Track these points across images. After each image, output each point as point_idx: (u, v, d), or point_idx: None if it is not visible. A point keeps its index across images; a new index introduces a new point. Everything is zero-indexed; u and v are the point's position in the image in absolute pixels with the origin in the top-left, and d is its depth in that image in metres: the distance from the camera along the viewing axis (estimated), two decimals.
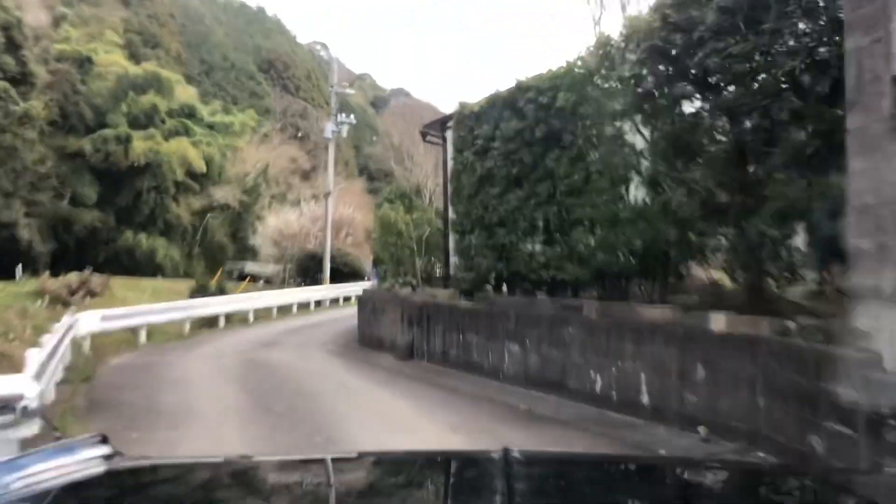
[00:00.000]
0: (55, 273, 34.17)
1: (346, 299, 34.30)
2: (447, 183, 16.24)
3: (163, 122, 48.03)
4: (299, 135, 64.32)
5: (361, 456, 2.12)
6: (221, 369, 14.39)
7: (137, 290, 37.35)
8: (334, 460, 2.04)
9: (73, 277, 32.37)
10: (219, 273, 41.90)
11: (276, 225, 43.89)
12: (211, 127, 52.38)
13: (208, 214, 50.25)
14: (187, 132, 49.39)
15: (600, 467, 2.06)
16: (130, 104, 46.77)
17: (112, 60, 46.99)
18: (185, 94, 52.74)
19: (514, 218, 11.77)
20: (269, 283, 46.28)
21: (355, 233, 44.28)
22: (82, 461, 1.59)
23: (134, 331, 20.30)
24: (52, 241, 42.94)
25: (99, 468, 1.60)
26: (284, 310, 28.15)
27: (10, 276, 34.95)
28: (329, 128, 39.44)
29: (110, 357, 17.03)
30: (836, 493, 1.70)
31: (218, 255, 50.77)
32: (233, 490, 1.69)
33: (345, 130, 40.49)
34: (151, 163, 44.38)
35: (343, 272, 40.06)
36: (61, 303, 30.17)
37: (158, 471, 1.91)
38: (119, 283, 36.88)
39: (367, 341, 17.71)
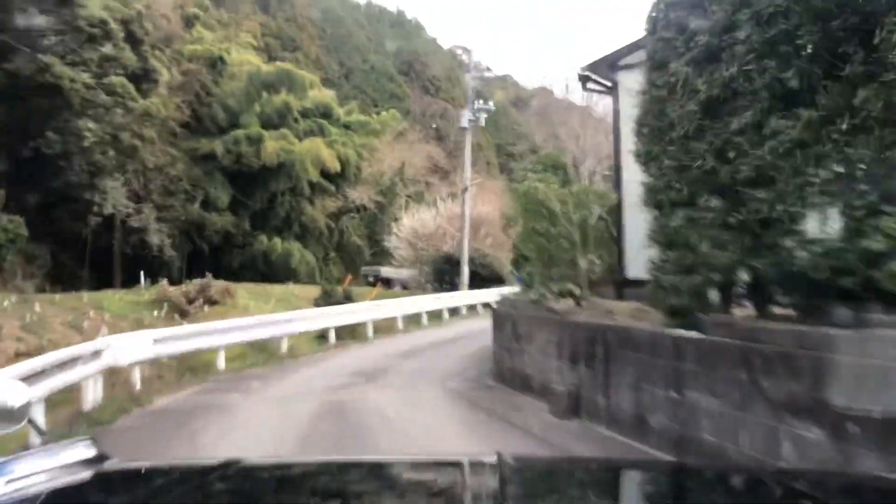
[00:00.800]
0: (190, 279, 30.67)
1: (486, 306, 28.69)
2: (617, 140, 10.35)
3: (296, 121, 44.22)
4: (438, 135, 59.54)
5: (354, 462, 2.08)
6: (284, 424, 9.07)
7: (263, 297, 33.35)
8: (328, 464, 2.04)
9: (192, 285, 28.41)
10: (348, 278, 37.40)
11: (411, 225, 38.93)
12: (347, 127, 48.32)
13: (344, 216, 46.10)
14: (322, 132, 45.44)
15: (594, 471, 2.00)
16: (263, 104, 43.26)
17: (244, 59, 43.64)
18: (321, 95, 48.94)
19: (794, 168, 5.63)
20: (406, 287, 41.49)
21: (495, 233, 38.63)
22: (72, 465, 1.53)
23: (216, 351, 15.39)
24: (186, 247, 39.86)
25: (88, 472, 1.55)
26: (412, 320, 22.79)
27: (137, 282, 31.81)
28: (465, 116, 33.98)
29: (162, 393, 12.08)
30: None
31: (354, 258, 46.51)
32: (224, 494, 1.63)
33: (483, 119, 34.91)
34: (284, 163, 40.52)
35: (482, 275, 34.45)
36: (179, 312, 26.31)
37: (149, 474, 1.82)
38: (244, 290, 32.93)
39: (505, 376, 11.77)
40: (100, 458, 1.62)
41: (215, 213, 39.57)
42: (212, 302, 27.72)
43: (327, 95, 49.32)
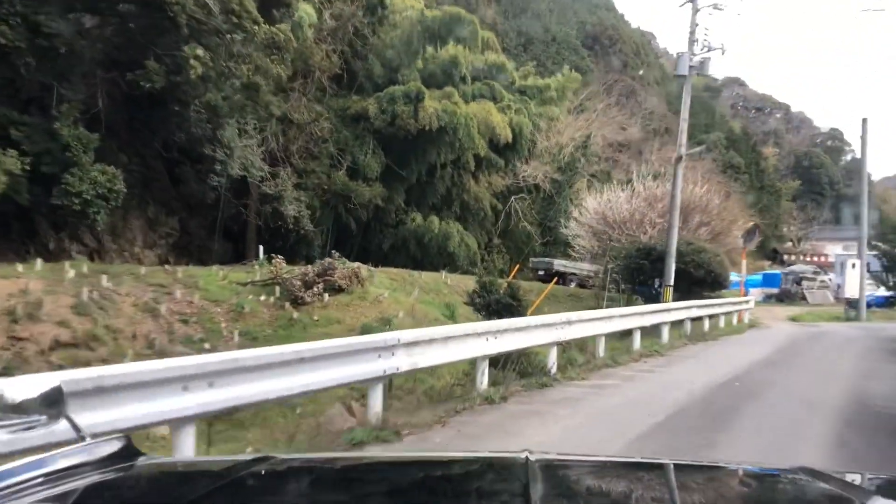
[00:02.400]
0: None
1: (732, 327, 19.30)
2: None
3: (463, 80, 36.04)
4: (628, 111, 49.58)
5: (382, 459, 2.20)
6: None
7: (405, 286, 25.50)
8: (357, 460, 2.21)
9: (314, 266, 21.13)
10: (514, 270, 29.04)
11: (596, 209, 29.74)
12: (522, 93, 39.62)
13: (513, 196, 37.47)
14: (493, 96, 37.03)
15: (623, 471, 1.87)
16: (426, 59, 35.41)
17: (408, 4, 35.92)
18: (495, 57, 40.53)
19: None
20: (584, 285, 32.33)
21: (712, 222, 28.77)
22: (106, 461, 1.51)
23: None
24: (328, 221, 32.80)
25: (122, 469, 1.52)
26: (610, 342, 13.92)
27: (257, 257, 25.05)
28: (685, 59, 24.27)
29: None
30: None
31: (522, 246, 37.82)
32: (256, 490, 1.60)
33: (709, 67, 24.96)
34: (446, 128, 32.40)
35: (693, 276, 24.80)
36: (293, 300, 18.90)
37: (182, 472, 1.85)
38: (385, 276, 25.36)
39: None
40: (133, 455, 1.59)
41: (364, 183, 32.15)
42: (336, 289, 20.14)
43: (501, 57, 40.84)
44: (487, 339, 8.44)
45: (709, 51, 24.45)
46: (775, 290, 36.55)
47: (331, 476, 1.77)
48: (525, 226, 36.83)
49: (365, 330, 18.05)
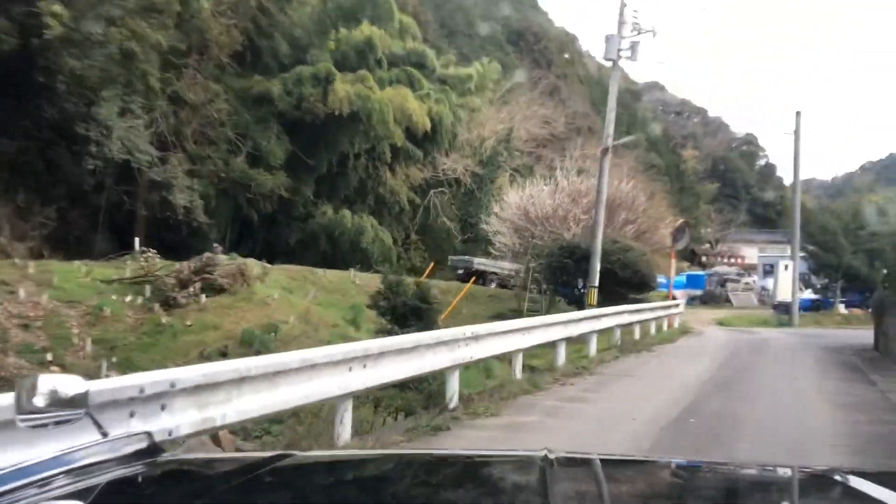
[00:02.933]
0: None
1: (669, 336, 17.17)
2: None
3: (379, 64, 33.24)
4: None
5: (402, 455, 2.18)
6: None
7: (306, 286, 22.72)
8: (377, 458, 2.08)
9: (190, 262, 18.13)
10: (430, 268, 26.54)
11: (518, 204, 27.44)
12: (443, 82, 37.08)
13: (432, 190, 34.89)
14: (412, 83, 34.35)
15: (643, 470, 1.86)
16: (339, 40, 32.44)
17: None
18: (415, 46, 37.88)
19: None
20: (505, 285, 30.04)
21: (638, 220, 26.85)
22: (127, 457, 1.50)
23: None
24: (226, 213, 29.51)
25: (143, 465, 1.51)
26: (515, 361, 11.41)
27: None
28: (613, 44, 22.13)
29: None
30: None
31: (441, 243, 35.30)
32: (276, 487, 1.56)
33: (637, 53, 22.86)
34: (359, 114, 29.57)
35: (619, 278, 22.79)
36: (165, 301, 15.70)
37: (204, 468, 1.84)
38: (284, 275, 22.46)
39: None
40: (155, 451, 1.58)
41: (266, 171, 28.97)
42: (217, 289, 17.14)
43: (421, 45, 38.20)
44: (352, 369, 5.71)
45: (639, 34, 22.41)
46: (699, 292, 35.17)
47: (351, 473, 1.76)
48: (444, 221, 34.29)
49: (245, 337, 15.19)
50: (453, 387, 7.28)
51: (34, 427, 1.55)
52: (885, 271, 30.15)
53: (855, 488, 1.53)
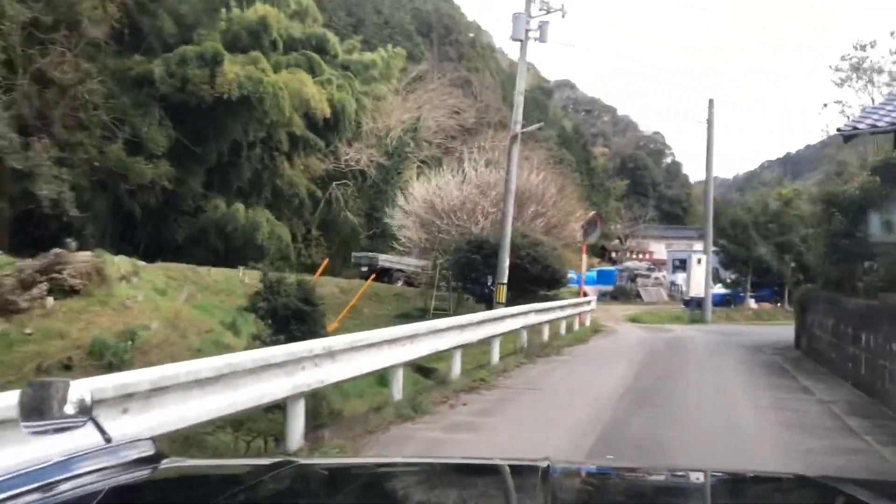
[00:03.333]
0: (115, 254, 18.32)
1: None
2: None
3: (274, 46, 30.74)
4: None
5: (405, 463, 2.05)
6: None
7: (184, 286, 20.33)
8: (380, 465, 2.01)
9: (39, 259, 15.44)
10: (324, 265, 24.37)
11: (424, 196, 25.56)
12: (346, 68, 34.82)
13: (334, 183, 32.61)
14: (312, 69, 31.97)
15: (645, 479, 1.88)
16: (230, 19, 29.79)
17: None
18: (317, 30, 35.48)
19: None
20: (412, 283, 28.13)
21: (548, 213, 25.39)
22: (131, 464, 1.49)
23: None
24: (102, 207, 26.46)
25: (147, 470, 1.50)
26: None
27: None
28: (520, 23, 20.51)
29: None
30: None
31: (346, 239, 33.10)
32: (278, 493, 1.57)
33: (547, 34, 21.30)
34: (251, 99, 27.05)
35: (529, 273, 21.29)
36: (4, 305, 12.97)
37: (207, 474, 1.82)
38: (162, 274, 20.08)
39: None
40: (158, 457, 1.56)
41: (147, 160, 26.06)
42: (68, 290, 14.55)
43: (322, 29, 35.81)
44: (126, 410, 3.67)
45: (548, 13, 20.87)
46: (610, 288, 34.20)
47: (353, 480, 1.75)
48: (347, 216, 32.08)
49: (95, 347, 12.77)
50: (296, 426, 5.26)
51: (37, 433, 1.54)
52: (793, 264, 29.88)
53: (852, 496, 1.51)
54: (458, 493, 1.64)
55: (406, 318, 24.42)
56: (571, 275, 39.57)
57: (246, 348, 12.13)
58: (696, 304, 25.00)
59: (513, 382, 9.36)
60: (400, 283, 28.48)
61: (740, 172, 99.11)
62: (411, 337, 7.48)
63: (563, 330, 16.55)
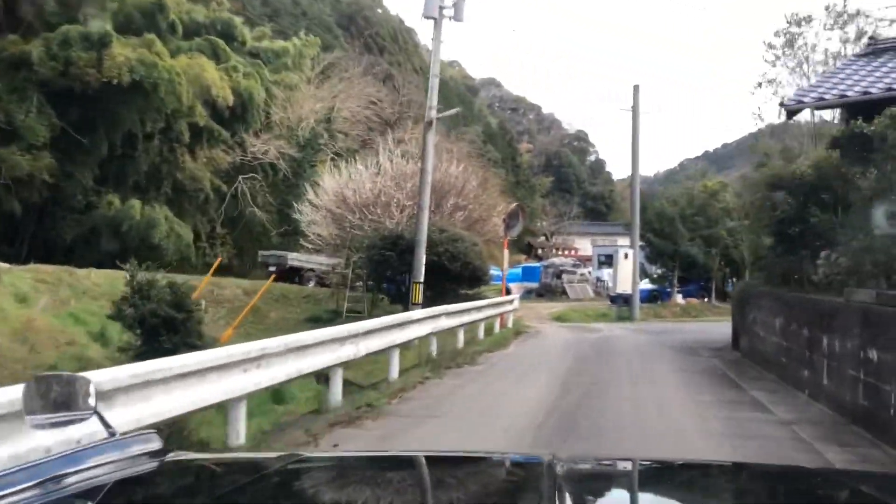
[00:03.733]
0: None
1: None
2: None
3: (172, 28, 28.00)
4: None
5: (408, 456, 2.02)
6: None
7: (59, 290, 18.01)
8: (383, 458, 1.98)
9: None
10: (217, 263, 21.98)
11: (335, 189, 23.38)
12: (255, 56, 32.28)
13: (241, 177, 30.06)
14: (217, 55, 29.35)
15: (648, 473, 1.79)
16: (123, 1, 26.93)
17: None
18: (222, 14, 32.76)
19: None
20: (324, 283, 25.94)
21: (469, 206, 23.55)
22: (135, 457, 1.46)
23: None
24: None
25: (152, 463, 1.47)
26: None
27: None
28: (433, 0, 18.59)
29: None
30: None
31: (259, 236, 30.60)
32: (285, 487, 1.55)
33: (463, 12, 19.45)
34: (143, 83, 24.31)
35: (449, 271, 19.47)
36: None
37: (211, 467, 1.78)
38: (31, 277, 17.70)
39: None
40: (163, 451, 1.54)
41: (25, 152, 23.05)
42: None
43: (228, 14, 33.14)
44: None
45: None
46: (535, 285, 32.74)
47: (358, 474, 1.72)
48: (255, 211, 29.59)
49: None
50: None
51: (42, 428, 1.55)
52: (720, 259, 28.98)
53: (858, 489, 1.52)
54: (462, 487, 1.59)
55: (316, 321, 22.21)
56: (496, 272, 38.08)
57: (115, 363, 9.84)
58: (622, 300, 23.61)
59: (410, 407, 7.40)
60: (312, 284, 26.24)
61: (661, 170, 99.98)
62: (257, 359, 5.41)
63: (481, 333, 14.73)
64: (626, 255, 22.68)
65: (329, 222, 23.32)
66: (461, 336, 12.90)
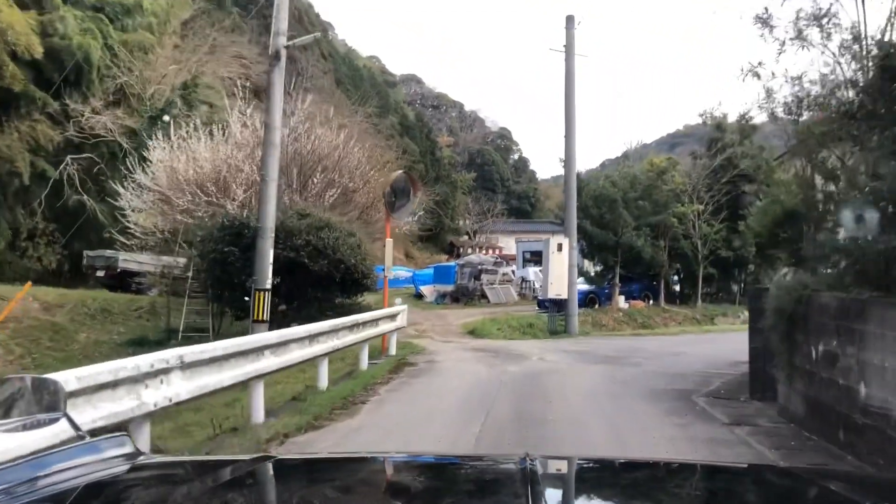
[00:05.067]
0: None
1: None
2: None
3: None
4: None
5: (384, 458, 1.91)
6: None
7: None
8: (359, 460, 1.92)
9: None
10: (25, 288, 14.86)
11: (168, 165, 16.43)
12: (99, 10, 24.84)
13: (69, 157, 22.57)
14: (40, 5, 21.90)
15: (624, 471, 1.73)
16: None
17: None
18: None
19: None
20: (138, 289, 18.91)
21: (347, 182, 16.89)
22: (106, 460, 1.39)
23: None
24: None
25: (123, 466, 1.40)
26: None
27: None
28: None
29: None
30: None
31: (97, 231, 23.11)
32: (256, 488, 1.50)
33: None
34: None
35: (312, 273, 12.99)
36: None
37: (182, 469, 1.67)
38: None
39: None
40: (134, 454, 1.47)
41: None
42: None
43: None
44: None
45: None
46: (450, 288, 26.39)
47: (332, 475, 1.64)
48: (85, 200, 22.17)
49: None
50: None
51: (10, 431, 1.46)
52: (665, 255, 23.20)
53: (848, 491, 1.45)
54: (440, 488, 1.53)
55: (140, 345, 15.32)
56: (402, 271, 31.48)
57: None
58: (555, 306, 17.37)
59: None
60: (155, 292, 19.13)
61: (605, 160, 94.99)
62: None
63: (323, 379, 8.16)
64: (560, 247, 16.36)
65: (158, 207, 16.35)
66: (259, 393, 6.30)
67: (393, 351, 11.67)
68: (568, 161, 16.48)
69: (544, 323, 17.43)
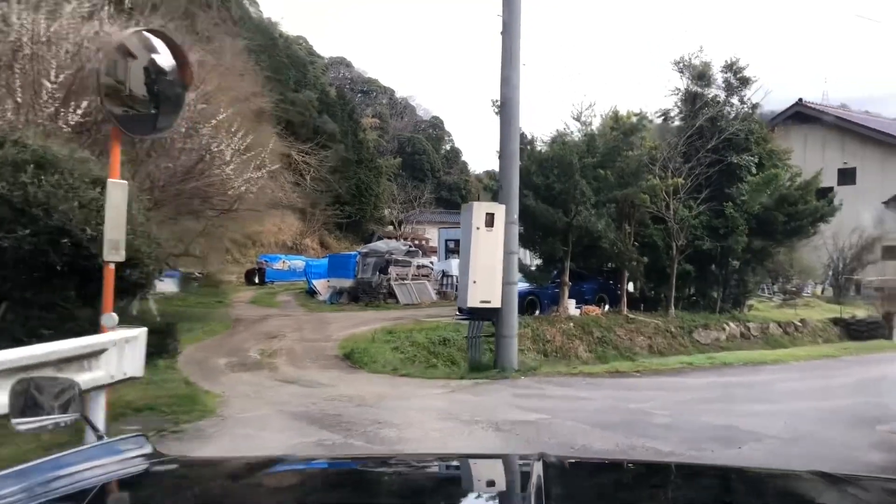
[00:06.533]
0: None
1: None
2: None
3: None
4: None
5: (396, 457, 1.86)
6: None
7: None
8: (368, 460, 1.89)
9: None
10: None
11: None
12: None
13: None
14: None
15: (638, 472, 1.74)
16: None
17: None
18: None
19: None
20: None
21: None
22: (123, 460, 1.39)
23: None
24: None
25: (139, 467, 1.39)
26: None
27: None
28: None
29: None
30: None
31: None
32: (272, 489, 1.47)
33: None
34: None
35: (5, 253, 5.74)
36: None
37: (198, 470, 1.66)
38: None
39: None
40: (151, 454, 1.46)
41: None
42: None
43: None
44: None
45: None
46: (349, 283, 19.42)
47: (345, 476, 1.62)
48: None
49: None
50: None
51: (29, 430, 1.40)
52: (635, 244, 16.70)
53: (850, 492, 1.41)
54: (455, 486, 1.53)
55: None
56: (298, 261, 24.41)
57: None
58: (481, 316, 10.55)
59: None
60: None
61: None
62: None
63: None
64: (491, 220, 9.27)
65: None
66: None
67: (101, 424, 4.84)
68: (507, 81, 9.69)
69: (465, 341, 10.74)
